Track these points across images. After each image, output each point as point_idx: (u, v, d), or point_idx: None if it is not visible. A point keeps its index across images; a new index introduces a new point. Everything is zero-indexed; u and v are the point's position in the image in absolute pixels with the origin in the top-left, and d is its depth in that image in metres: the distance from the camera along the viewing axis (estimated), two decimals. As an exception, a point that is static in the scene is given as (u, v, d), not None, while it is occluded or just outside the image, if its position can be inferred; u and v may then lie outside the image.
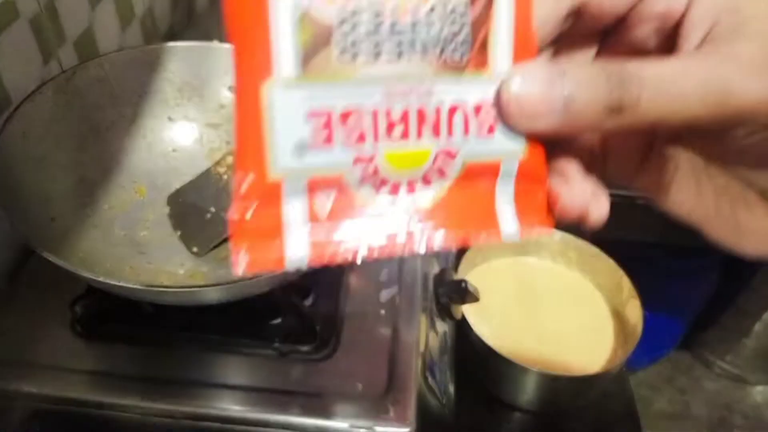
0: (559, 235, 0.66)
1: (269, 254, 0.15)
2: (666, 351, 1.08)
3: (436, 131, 0.16)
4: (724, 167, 0.18)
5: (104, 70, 0.47)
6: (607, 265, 0.63)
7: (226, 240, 0.47)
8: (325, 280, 0.46)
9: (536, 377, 0.54)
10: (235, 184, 0.15)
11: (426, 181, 0.16)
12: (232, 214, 0.15)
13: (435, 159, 0.16)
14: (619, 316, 0.63)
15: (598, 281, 0.65)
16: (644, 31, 0.18)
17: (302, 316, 0.43)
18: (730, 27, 0.16)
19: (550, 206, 0.18)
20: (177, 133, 0.52)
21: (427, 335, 0.46)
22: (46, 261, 0.34)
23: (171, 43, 0.50)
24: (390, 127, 0.15)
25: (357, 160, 0.15)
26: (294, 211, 0.15)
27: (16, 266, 0.46)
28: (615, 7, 0.18)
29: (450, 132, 0.16)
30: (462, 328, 0.56)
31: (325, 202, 0.16)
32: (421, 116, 0.16)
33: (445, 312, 0.52)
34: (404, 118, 0.16)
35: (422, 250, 0.16)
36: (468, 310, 0.56)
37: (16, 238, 0.46)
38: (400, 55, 0.15)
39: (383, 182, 0.16)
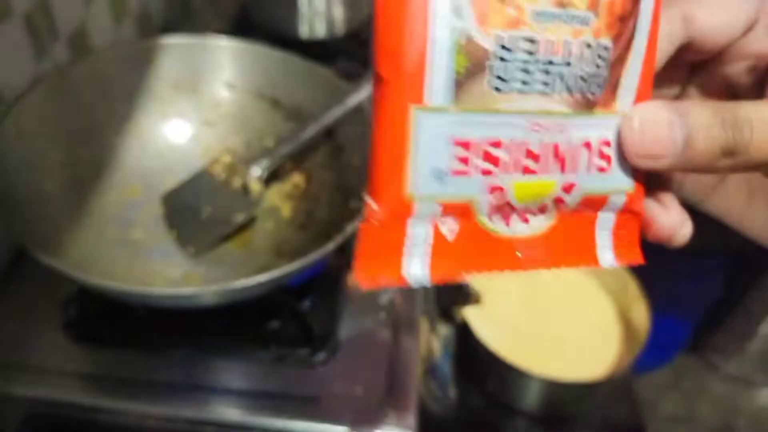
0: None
1: (390, 270, 0.16)
2: (672, 354, 1.07)
3: (563, 166, 0.17)
4: None
5: (98, 67, 0.47)
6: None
7: (222, 241, 0.46)
8: (323, 283, 0.45)
9: (539, 382, 0.53)
10: (368, 200, 0.15)
11: (542, 209, 0.17)
12: (361, 227, 0.16)
13: (557, 191, 0.17)
14: (625, 319, 0.62)
15: (603, 283, 0.64)
16: (737, 68, 0.19)
17: (300, 319, 0.42)
18: None
19: (644, 228, 0.19)
20: (172, 132, 0.51)
21: (428, 338, 0.45)
22: (38, 262, 0.34)
23: (166, 39, 0.50)
24: (526, 160, 0.16)
25: (489, 189, 0.16)
26: (420, 232, 0.16)
27: (8, 267, 0.46)
28: (717, 44, 0.19)
29: (575, 167, 0.17)
30: (464, 331, 0.56)
31: (452, 226, 0.16)
32: (555, 151, 0.16)
33: (446, 315, 0.51)
34: (541, 152, 0.16)
35: (527, 271, 0.17)
36: (470, 313, 0.55)
37: (7, 239, 0.45)
38: (547, 89, 0.16)
39: (507, 211, 0.17)
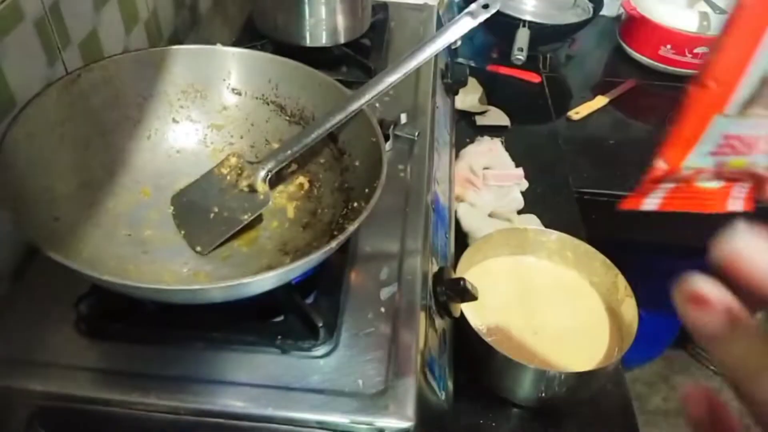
0: (555, 234, 0.67)
1: (643, 201, 0.26)
2: (662, 349, 1.09)
3: (756, 149, 0.24)
4: None
5: (109, 72, 0.48)
6: (602, 264, 0.64)
7: (228, 239, 0.48)
8: (326, 279, 0.46)
9: (533, 373, 0.55)
10: (659, 161, 0.24)
11: (732, 177, 0.26)
12: (650, 171, 0.25)
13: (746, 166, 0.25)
14: (615, 315, 0.63)
15: (594, 280, 0.66)
16: None
17: (304, 314, 0.43)
18: None
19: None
20: (181, 135, 0.52)
21: (426, 332, 0.46)
22: (50, 260, 0.34)
23: (175, 46, 0.51)
24: (748, 147, 0.23)
25: (718, 164, 0.24)
26: (668, 184, 0.25)
27: (21, 265, 0.47)
28: None
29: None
30: (460, 325, 0.57)
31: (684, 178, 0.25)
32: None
33: (444, 310, 0.52)
34: (759, 141, 0.23)
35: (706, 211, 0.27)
36: (466, 308, 0.56)
37: (20, 238, 0.46)
38: None
39: (721, 177, 0.26)
